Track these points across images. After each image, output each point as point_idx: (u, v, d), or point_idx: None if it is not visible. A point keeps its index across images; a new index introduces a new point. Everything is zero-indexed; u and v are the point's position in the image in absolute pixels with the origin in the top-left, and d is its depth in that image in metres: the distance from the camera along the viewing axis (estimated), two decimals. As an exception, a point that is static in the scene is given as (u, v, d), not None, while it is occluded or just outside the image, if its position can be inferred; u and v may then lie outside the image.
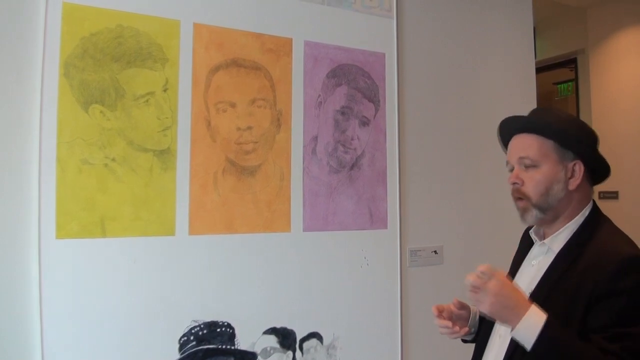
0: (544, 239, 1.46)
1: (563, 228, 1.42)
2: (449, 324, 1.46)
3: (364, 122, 2.52)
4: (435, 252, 2.71)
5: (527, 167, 1.41)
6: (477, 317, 1.58)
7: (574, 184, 1.41)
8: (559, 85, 6.43)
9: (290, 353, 2.28)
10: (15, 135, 1.84)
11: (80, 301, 1.89)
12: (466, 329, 1.50)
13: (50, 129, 1.86)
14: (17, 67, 1.85)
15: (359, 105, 2.51)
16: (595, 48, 4.73)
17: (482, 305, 1.23)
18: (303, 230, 2.34)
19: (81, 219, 1.90)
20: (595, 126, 4.70)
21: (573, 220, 1.42)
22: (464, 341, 1.66)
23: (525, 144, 1.42)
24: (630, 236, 1.41)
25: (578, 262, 1.32)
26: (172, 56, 2.09)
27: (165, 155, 2.06)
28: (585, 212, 1.44)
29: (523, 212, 1.43)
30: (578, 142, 1.41)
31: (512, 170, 1.47)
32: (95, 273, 1.92)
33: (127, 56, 2.00)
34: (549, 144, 1.40)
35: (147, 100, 2.03)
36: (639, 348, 1.19)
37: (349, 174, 2.47)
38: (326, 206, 2.40)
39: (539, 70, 4.03)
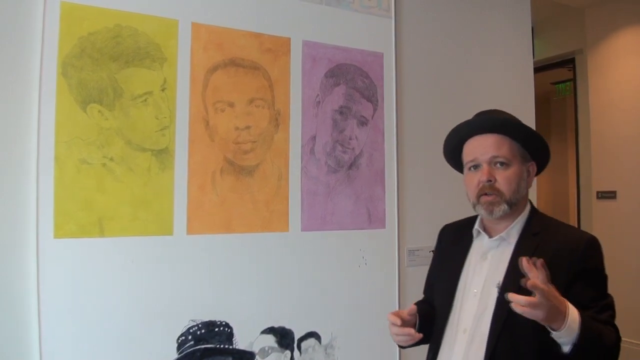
0: (491, 233, 1.55)
1: (515, 221, 1.51)
2: (411, 331, 1.46)
3: (362, 122, 2.52)
4: (433, 252, 2.70)
5: (500, 165, 1.49)
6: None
7: (530, 182, 1.54)
8: (557, 85, 6.44)
9: (288, 352, 2.29)
10: (13, 135, 1.84)
11: (79, 301, 1.89)
12: (420, 335, 1.48)
13: (48, 128, 1.86)
14: (15, 67, 1.85)
15: (357, 105, 2.51)
16: (593, 48, 4.74)
17: (536, 316, 1.20)
18: (301, 230, 2.34)
19: (79, 218, 1.90)
20: (594, 126, 4.72)
21: (522, 214, 1.53)
22: (403, 347, 1.60)
23: (498, 143, 1.50)
24: (628, 235, 1.52)
25: (540, 250, 1.40)
26: (170, 56, 2.09)
27: (164, 154, 2.06)
28: (528, 207, 1.56)
29: (491, 205, 1.48)
30: (542, 147, 1.54)
31: (474, 167, 1.54)
32: (93, 273, 1.92)
33: (125, 56, 2.00)
34: (516, 145, 1.50)
35: (145, 100, 2.03)
36: (615, 312, 1.38)
37: (347, 173, 2.47)
38: (324, 206, 2.40)
39: (537, 70, 4.03)
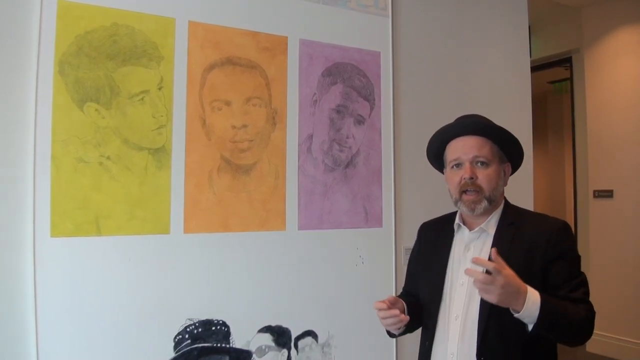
0: (471, 226, 1.67)
1: (492, 215, 1.64)
2: (396, 312, 1.54)
3: (359, 121, 2.52)
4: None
5: (481, 164, 1.61)
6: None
7: (506, 181, 1.68)
8: (554, 84, 6.45)
9: (285, 351, 2.29)
10: (9, 134, 1.83)
11: (75, 299, 1.89)
12: (407, 317, 1.58)
13: (45, 127, 1.86)
14: (12, 65, 1.84)
15: (354, 104, 2.51)
16: (590, 47, 4.75)
17: (490, 297, 1.36)
18: (298, 229, 2.35)
19: (76, 217, 1.90)
20: (590, 125, 4.72)
21: (498, 208, 1.66)
22: (394, 335, 1.72)
23: (479, 144, 1.63)
24: (624, 233, 1.64)
25: (517, 237, 1.57)
26: (167, 54, 2.09)
27: (160, 153, 2.06)
28: (503, 201, 1.69)
29: (473, 204, 1.60)
30: (518, 149, 1.68)
31: (457, 165, 1.65)
32: (90, 272, 1.92)
33: (122, 54, 2.00)
34: (495, 148, 1.63)
35: (142, 99, 2.03)
36: (588, 288, 1.53)
37: (344, 172, 2.47)
38: (321, 205, 2.40)
39: (534, 69, 4.04)
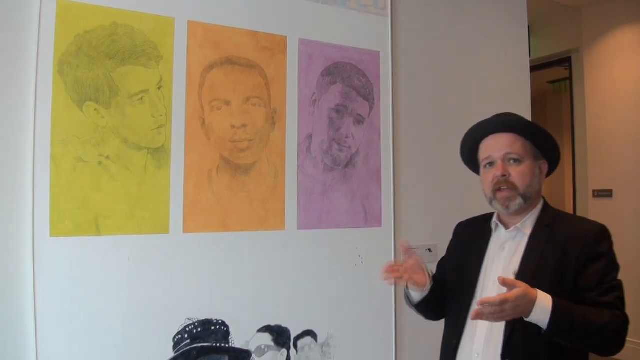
0: (507, 226, 1.67)
1: (529, 215, 1.63)
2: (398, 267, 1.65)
3: (359, 120, 2.52)
4: (429, 250, 2.71)
5: (513, 162, 1.60)
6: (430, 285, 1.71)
7: (543, 179, 1.66)
8: (553, 84, 6.45)
9: (284, 351, 2.29)
10: (9, 133, 1.83)
11: (75, 299, 1.89)
12: (425, 279, 1.65)
13: (44, 126, 1.86)
14: (11, 65, 1.84)
15: (354, 104, 2.51)
16: (589, 47, 4.75)
17: (505, 320, 1.40)
18: (297, 229, 2.34)
19: (75, 217, 1.90)
20: (590, 124, 4.73)
21: (535, 209, 1.65)
22: (413, 303, 1.78)
23: (511, 141, 1.61)
24: (623, 233, 1.67)
25: (553, 238, 1.55)
26: (166, 54, 2.08)
27: (160, 153, 2.06)
28: (541, 202, 1.68)
29: (507, 200, 1.60)
30: (553, 145, 1.66)
31: (489, 164, 1.66)
32: (89, 271, 1.92)
33: (122, 54, 2.00)
34: (528, 144, 1.62)
35: (141, 98, 2.03)
36: (623, 294, 1.49)
37: (343, 172, 2.47)
38: (320, 204, 2.40)
39: (534, 68, 4.04)
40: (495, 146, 1.64)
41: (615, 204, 4.45)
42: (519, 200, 1.58)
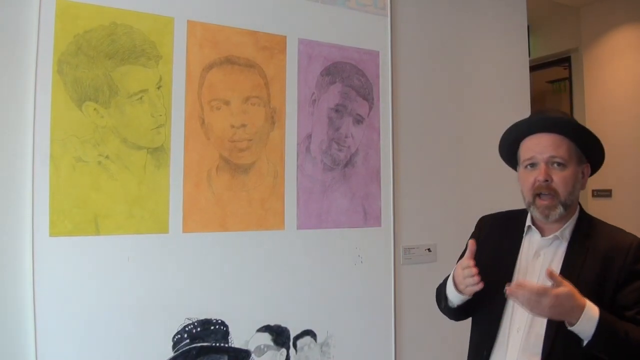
0: (544, 232, 1.57)
1: (569, 222, 1.54)
2: (475, 270, 1.48)
3: (358, 120, 2.52)
4: (429, 249, 2.72)
5: (557, 165, 1.50)
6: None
7: (584, 184, 1.56)
8: (552, 84, 6.44)
9: (284, 351, 2.29)
10: (8, 133, 1.83)
11: (74, 299, 1.89)
12: (482, 284, 1.49)
13: (43, 126, 1.86)
14: (10, 64, 1.84)
15: (353, 103, 2.51)
16: (588, 46, 4.74)
17: (537, 313, 1.35)
18: (297, 228, 2.34)
19: (75, 216, 1.90)
20: (589, 124, 4.71)
21: (574, 216, 1.56)
22: (457, 308, 1.63)
23: (556, 143, 1.50)
24: None
25: (592, 252, 1.47)
26: (165, 53, 2.08)
27: (159, 152, 2.06)
28: (578, 208, 1.59)
29: (547, 210, 1.50)
30: (599, 149, 1.55)
31: (531, 165, 1.54)
32: (88, 271, 1.92)
33: (121, 53, 2.00)
34: (573, 147, 1.51)
35: (140, 98, 2.03)
36: None
37: (342, 171, 2.47)
38: (320, 204, 2.40)
39: (533, 68, 4.04)
40: (538, 147, 1.52)
41: (615, 204, 4.44)
42: (559, 210, 1.49)
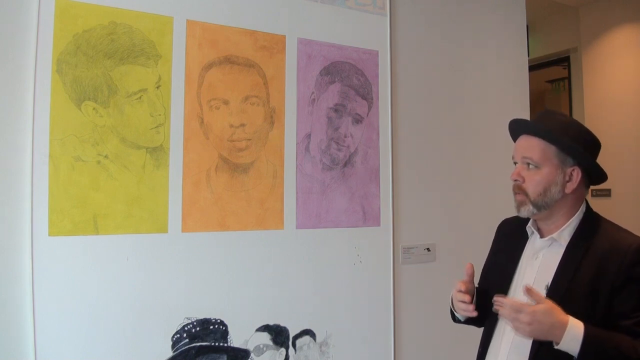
0: (543, 233, 1.59)
1: (567, 224, 1.54)
2: (468, 298, 1.53)
3: (357, 120, 2.52)
4: (428, 249, 2.72)
5: (530, 167, 1.53)
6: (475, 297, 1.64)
7: (570, 187, 1.53)
8: (552, 83, 6.45)
9: (283, 350, 2.29)
10: (7, 132, 1.83)
11: (73, 298, 1.89)
12: (475, 313, 1.54)
13: (42, 125, 1.86)
14: (9, 64, 1.84)
15: (352, 103, 2.51)
16: (587, 46, 4.75)
17: (521, 332, 1.36)
18: (296, 228, 2.34)
19: (74, 216, 1.90)
20: (588, 124, 4.71)
21: (574, 217, 1.55)
22: (458, 320, 1.70)
23: (530, 145, 1.54)
24: None
25: (589, 254, 1.46)
26: (165, 53, 2.08)
27: (158, 152, 2.06)
28: (582, 209, 1.57)
29: (519, 205, 1.55)
30: (577, 151, 1.52)
31: (515, 164, 1.59)
32: (87, 270, 1.92)
33: (120, 53, 2.00)
34: (552, 149, 1.52)
35: (140, 97, 2.03)
36: None
37: (342, 171, 2.47)
38: (319, 204, 2.40)
39: (532, 68, 4.04)
40: (517, 148, 1.59)
41: (614, 204, 4.45)
42: (529, 207, 1.52)
